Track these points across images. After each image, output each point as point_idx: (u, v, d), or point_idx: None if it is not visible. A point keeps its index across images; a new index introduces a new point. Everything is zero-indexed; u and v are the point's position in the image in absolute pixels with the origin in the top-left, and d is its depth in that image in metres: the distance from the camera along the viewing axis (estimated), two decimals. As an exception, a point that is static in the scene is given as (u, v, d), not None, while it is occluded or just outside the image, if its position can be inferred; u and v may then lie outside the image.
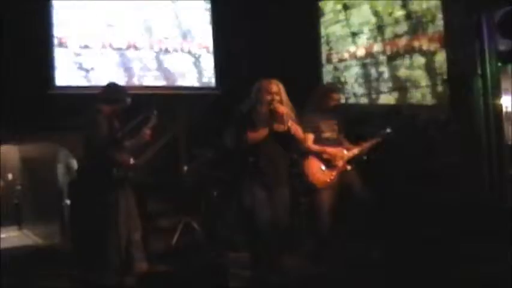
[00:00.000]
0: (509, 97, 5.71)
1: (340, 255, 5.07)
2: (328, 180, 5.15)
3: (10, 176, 10.00)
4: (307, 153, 5.21)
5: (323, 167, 5.19)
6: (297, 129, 4.43)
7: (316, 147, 5.20)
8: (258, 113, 4.43)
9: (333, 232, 5.12)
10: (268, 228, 4.37)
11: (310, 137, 5.18)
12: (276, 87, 4.43)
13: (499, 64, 5.60)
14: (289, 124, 4.32)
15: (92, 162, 4.74)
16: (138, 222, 4.87)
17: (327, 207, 5.14)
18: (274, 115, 4.36)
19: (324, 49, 7.89)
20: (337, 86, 5.69)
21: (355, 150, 5.26)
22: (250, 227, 4.47)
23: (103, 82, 7.14)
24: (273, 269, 4.43)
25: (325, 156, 5.19)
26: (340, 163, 5.17)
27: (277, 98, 4.38)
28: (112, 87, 4.99)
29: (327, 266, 4.85)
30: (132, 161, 4.79)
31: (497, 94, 5.64)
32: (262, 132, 4.39)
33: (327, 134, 5.28)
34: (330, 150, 5.21)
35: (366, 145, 5.29)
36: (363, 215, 5.07)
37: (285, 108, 4.35)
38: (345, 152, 5.23)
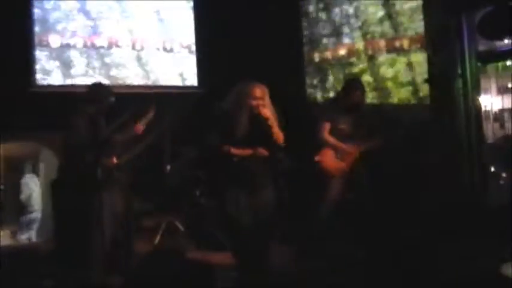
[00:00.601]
0: (489, 96, 5.78)
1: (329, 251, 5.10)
2: (340, 170, 5.23)
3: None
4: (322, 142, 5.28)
5: (336, 157, 5.27)
6: (280, 136, 4.23)
7: (330, 140, 5.31)
8: (238, 118, 4.18)
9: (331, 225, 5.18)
10: (250, 232, 4.24)
11: (327, 126, 5.25)
12: (261, 91, 4.16)
13: (479, 64, 5.68)
14: (275, 130, 4.15)
15: (74, 162, 4.72)
16: (123, 221, 4.87)
17: (334, 197, 5.22)
18: (256, 120, 4.15)
19: (306, 48, 7.93)
20: (361, 83, 5.62)
21: (363, 148, 5.33)
22: (231, 230, 4.39)
23: (84, 81, 7.18)
24: (256, 269, 4.42)
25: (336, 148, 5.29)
26: (350, 157, 5.24)
27: (261, 102, 4.14)
28: (96, 87, 4.98)
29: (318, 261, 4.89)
30: (115, 160, 4.78)
31: (477, 94, 5.70)
32: (246, 152, 4.18)
33: (342, 126, 5.37)
34: (342, 145, 5.30)
35: (371, 144, 5.34)
36: (360, 213, 5.14)
37: (269, 112, 4.15)
38: (355, 148, 5.31)
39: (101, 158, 4.64)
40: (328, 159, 5.35)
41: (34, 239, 8.36)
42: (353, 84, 5.63)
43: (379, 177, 5.81)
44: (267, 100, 4.20)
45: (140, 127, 4.87)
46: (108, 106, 4.86)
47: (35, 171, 8.74)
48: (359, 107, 5.45)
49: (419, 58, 6.19)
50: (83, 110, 4.73)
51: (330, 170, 5.34)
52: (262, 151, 4.20)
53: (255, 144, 4.21)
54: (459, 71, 5.70)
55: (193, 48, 8.16)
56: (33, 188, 9.26)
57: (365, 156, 5.38)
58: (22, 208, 9.79)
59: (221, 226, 4.61)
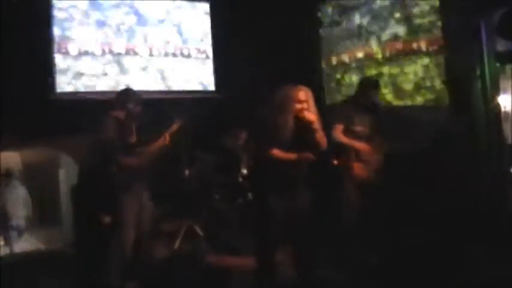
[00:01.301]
0: (508, 97, 5.72)
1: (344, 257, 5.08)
2: (363, 176, 5.20)
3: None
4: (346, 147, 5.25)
5: (360, 163, 5.23)
6: (324, 140, 4.20)
7: (343, 139, 5.23)
8: (282, 122, 4.12)
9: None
10: (283, 238, 4.22)
11: (340, 127, 5.21)
12: (305, 95, 4.10)
13: (498, 65, 5.62)
14: (317, 134, 4.10)
15: (100, 166, 4.76)
16: (149, 226, 4.89)
17: (355, 203, 5.18)
18: (301, 124, 4.09)
19: (324, 51, 7.92)
20: (378, 82, 5.59)
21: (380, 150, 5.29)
22: (264, 235, 4.25)
23: (103, 88, 7.24)
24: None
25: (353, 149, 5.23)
26: (373, 160, 5.20)
27: (305, 106, 4.09)
28: (124, 92, 5.02)
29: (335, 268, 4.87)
30: (138, 164, 4.79)
31: (496, 95, 5.65)
32: (291, 157, 4.10)
33: (358, 128, 5.29)
34: (356, 144, 5.23)
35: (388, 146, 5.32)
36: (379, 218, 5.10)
37: (314, 116, 4.09)
38: (370, 148, 5.26)
39: (125, 163, 4.66)
40: (352, 163, 5.28)
41: (53, 244, 8.42)
42: (368, 82, 5.61)
43: (399, 180, 5.78)
44: (312, 104, 4.15)
45: (167, 137, 4.88)
46: (137, 112, 4.88)
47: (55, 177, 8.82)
48: (376, 106, 5.42)
49: (438, 60, 6.15)
50: (112, 114, 4.76)
51: (354, 175, 5.28)
52: (309, 155, 4.11)
53: (298, 148, 4.13)
54: (478, 72, 5.65)
55: (210, 53, 8.18)
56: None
57: (386, 161, 5.33)
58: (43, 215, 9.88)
59: (255, 229, 4.45)
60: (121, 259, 4.65)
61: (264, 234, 4.23)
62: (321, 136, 4.14)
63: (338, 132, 5.24)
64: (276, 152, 4.10)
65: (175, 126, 4.94)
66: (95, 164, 4.87)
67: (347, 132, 5.26)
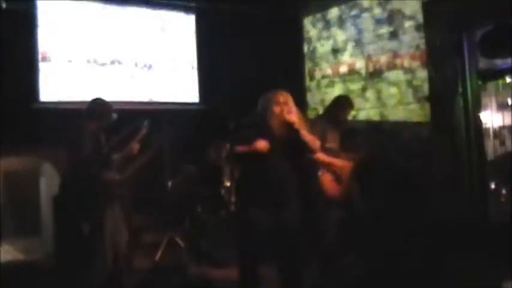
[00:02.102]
0: (489, 114, 5.81)
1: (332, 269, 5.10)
2: (338, 193, 5.20)
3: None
4: (319, 167, 5.24)
5: (333, 180, 5.22)
6: (312, 139, 4.16)
7: (325, 158, 5.15)
8: (266, 125, 4.13)
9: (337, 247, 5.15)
10: (262, 251, 4.16)
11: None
12: (283, 97, 4.13)
13: (480, 82, 5.71)
14: (303, 133, 4.08)
15: (76, 179, 4.72)
16: (125, 237, 4.87)
17: (335, 221, 5.19)
18: (283, 127, 4.08)
19: (307, 65, 7.99)
20: (350, 100, 5.64)
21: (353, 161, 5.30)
22: (246, 247, 4.18)
23: (87, 97, 7.19)
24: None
25: (331, 167, 5.22)
26: (345, 176, 5.21)
27: (286, 108, 4.08)
28: (96, 103, 4.96)
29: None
30: (117, 176, 4.78)
31: (478, 111, 5.73)
32: (261, 146, 4.02)
33: (329, 144, 5.28)
34: (336, 161, 5.23)
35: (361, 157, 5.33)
36: (359, 229, 5.12)
37: (294, 117, 4.07)
38: (346, 162, 5.26)
39: (102, 174, 4.64)
40: (326, 182, 5.29)
41: (31, 254, 8.33)
42: (343, 100, 5.67)
43: (379, 195, 5.82)
44: (292, 106, 4.14)
45: (136, 146, 4.86)
46: (109, 122, 4.85)
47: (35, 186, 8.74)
48: (345, 123, 5.47)
49: (420, 75, 6.23)
50: (84, 126, 4.72)
51: (329, 194, 5.28)
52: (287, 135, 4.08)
53: (288, 151, 4.13)
54: (460, 89, 5.73)
55: (195, 64, 8.20)
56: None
57: (360, 175, 5.34)
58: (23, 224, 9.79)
59: (236, 241, 4.41)
60: (102, 270, 4.62)
61: (245, 247, 4.19)
62: (306, 135, 4.10)
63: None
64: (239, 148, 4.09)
65: (142, 133, 4.93)
66: (74, 176, 4.83)
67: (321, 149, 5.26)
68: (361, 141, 5.62)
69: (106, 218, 4.65)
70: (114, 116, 4.86)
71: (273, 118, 4.10)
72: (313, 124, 5.16)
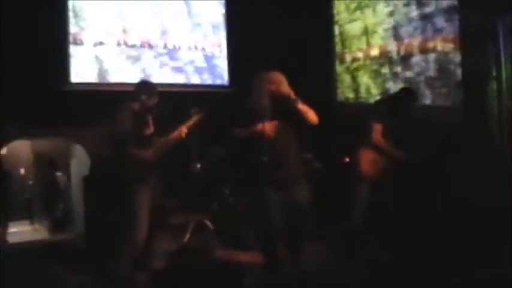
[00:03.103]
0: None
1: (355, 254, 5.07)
2: (371, 175, 5.17)
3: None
4: (362, 143, 5.21)
5: (372, 161, 5.19)
6: (308, 109, 4.17)
7: (382, 142, 5.14)
8: (262, 105, 4.20)
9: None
10: (280, 230, 4.21)
11: (379, 127, 5.16)
12: (278, 77, 4.22)
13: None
14: (301, 105, 4.11)
15: (113, 157, 4.76)
16: (160, 219, 4.91)
17: (365, 202, 5.16)
18: (279, 101, 4.16)
19: (338, 48, 7.91)
20: (415, 94, 5.60)
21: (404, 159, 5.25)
22: (261, 229, 4.33)
23: (117, 79, 7.25)
24: (284, 267, 4.41)
25: (379, 152, 5.18)
26: (381, 163, 5.17)
27: (280, 86, 4.16)
28: (141, 84, 5.01)
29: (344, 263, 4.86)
30: (152, 157, 4.80)
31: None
32: (262, 127, 4.10)
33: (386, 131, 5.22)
34: (392, 151, 5.18)
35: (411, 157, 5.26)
36: (387, 216, 5.08)
37: (288, 89, 4.15)
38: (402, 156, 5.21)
39: (139, 155, 4.66)
40: (364, 162, 5.25)
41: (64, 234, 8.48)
42: (407, 92, 5.58)
43: (409, 180, 5.76)
44: (285, 85, 4.19)
45: (183, 130, 4.87)
46: (153, 104, 4.88)
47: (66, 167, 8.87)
48: (404, 115, 5.36)
49: (453, 59, 6.11)
50: (127, 106, 4.76)
51: (363, 173, 5.25)
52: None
53: (284, 131, 4.18)
54: (493, 73, 5.62)
55: (224, 47, 8.18)
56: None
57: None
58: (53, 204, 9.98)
59: (251, 223, 4.54)
60: (133, 250, 4.67)
61: (262, 226, 4.29)
62: (303, 107, 4.13)
63: (379, 135, 5.16)
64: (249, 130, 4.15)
65: (194, 119, 4.94)
66: (109, 155, 4.87)
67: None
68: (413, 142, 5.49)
69: (139, 198, 4.68)
70: (157, 98, 4.88)
71: (268, 95, 4.18)
72: (379, 107, 5.10)
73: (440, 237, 5.18)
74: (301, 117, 4.15)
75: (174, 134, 4.83)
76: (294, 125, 4.23)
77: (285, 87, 4.15)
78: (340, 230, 5.43)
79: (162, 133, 4.85)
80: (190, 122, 4.91)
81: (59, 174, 9.85)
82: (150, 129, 4.82)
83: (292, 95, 4.12)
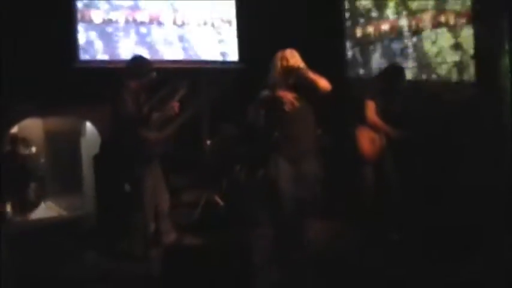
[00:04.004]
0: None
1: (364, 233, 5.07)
2: (372, 155, 5.15)
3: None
4: (359, 124, 5.20)
5: (371, 140, 5.17)
6: (319, 77, 4.31)
7: (377, 121, 5.16)
8: (274, 82, 4.43)
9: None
10: (291, 202, 4.35)
11: (372, 105, 5.15)
12: (291, 53, 4.43)
13: (528, 40, 5.51)
14: (310, 73, 4.28)
15: (117, 137, 4.76)
16: (166, 196, 4.92)
17: (370, 182, 5.16)
18: (290, 74, 4.37)
19: (348, 23, 7.82)
20: (402, 70, 5.58)
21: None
22: (274, 199, 4.45)
23: (126, 56, 7.22)
24: (294, 243, 4.46)
25: (376, 130, 5.15)
26: (383, 140, 5.15)
27: (292, 60, 4.38)
28: (137, 61, 4.95)
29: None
30: (157, 135, 4.80)
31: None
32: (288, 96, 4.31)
33: (380, 108, 5.25)
34: (387, 129, 5.15)
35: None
36: (390, 195, 5.06)
37: (299, 62, 4.37)
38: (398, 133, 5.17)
39: (142, 133, 4.66)
40: (363, 141, 5.24)
41: (74, 211, 8.54)
42: (393, 70, 5.54)
43: (418, 157, 5.73)
44: (299, 60, 4.40)
45: (175, 105, 4.84)
46: (149, 81, 4.84)
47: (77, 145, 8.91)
48: (394, 92, 5.33)
49: (466, 33, 6.02)
50: (126, 84, 4.73)
51: (363, 153, 5.23)
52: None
53: (298, 111, 4.32)
54: (507, 47, 5.54)
55: (234, 23, 8.12)
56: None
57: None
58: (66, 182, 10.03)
59: (262, 197, 4.64)
60: (142, 229, 4.69)
61: (273, 199, 4.44)
62: (315, 77, 4.28)
63: (372, 112, 5.15)
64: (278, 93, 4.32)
65: (181, 93, 4.90)
66: (114, 135, 4.88)
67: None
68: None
69: (146, 177, 4.69)
70: (154, 74, 4.84)
71: (282, 72, 4.39)
72: (368, 86, 5.11)
73: (449, 217, 5.15)
74: (313, 86, 4.27)
75: (165, 111, 4.82)
76: (310, 101, 4.39)
77: (294, 61, 4.35)
78: (349, 209, 5.44)
79: (157, 109, 4.84)
80: (179, 96, 4.89)
81: (30, 152, 9.92)
82: (148, 107, 4.79)
83: (300, 65, 4.31)
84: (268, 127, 4.48)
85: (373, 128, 5.17)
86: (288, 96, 4.29)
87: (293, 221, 4.39)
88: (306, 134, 4.43)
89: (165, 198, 4.93)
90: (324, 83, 4.30)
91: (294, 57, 4.39)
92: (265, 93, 4.41)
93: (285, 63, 4.38)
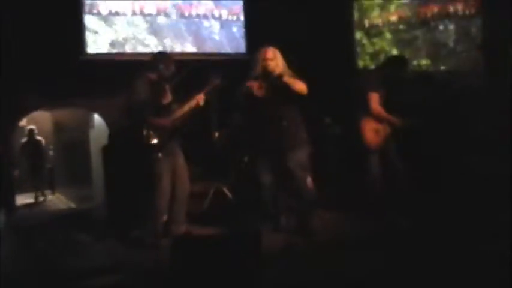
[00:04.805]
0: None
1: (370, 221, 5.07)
2: (379, 143, 5.17)
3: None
4: (363, 114, 5.21)
5: (375, 130, 5.18)
6: (294, 81, 4.52)
7: (381, 111, 5.17)
8: (255, 77, 4.67)
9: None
10: (272, 194, 4.74)
11: (376, 96, 5.17)
12: (272, 53, 4.62)
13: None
14: (285, 78, 4.47)
15: (133, 127, 4.78)
16: (186, 184, 4.96)
17: (376, 170, 5.17)
18: (268, 75, 4.59)
19: (356, 14, 7.80)
20: (405, 60, 5.60)
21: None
22: (257, 192, 4.81)
23: (133, 48, 7.24)
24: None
25: (380, 120, 5.16)
26: (385, 131, 5.16)
27: (272, 63, 4.58)
28: (158, 54, 5.04)
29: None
30: (169, 124, 4.81)
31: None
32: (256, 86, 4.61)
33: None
34: (391, 118, 5.16)
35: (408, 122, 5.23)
36: (397, 182, 5.07)
37: (276, 66, 4.58)
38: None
39: (155, 123, 4.68)
40: (367, 132, 5.25)
41: (83, 202, 8.58)
42: (395, 60, 5.54)
43: (429, 145, 5.72)
44: (280, 61, 4.64)
45: (201, 97, 4.88)
46: (170, 74, 4.90)
47: (85, 136, 8.94)
48: (399, 82, 5.34)
49: (474, 23, 6.01)
50: (144, 75, 4.79)
51: (368, 143, 5.25)
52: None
53: (277, 100, 4.57)
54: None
55: (242, 15, 8.10)
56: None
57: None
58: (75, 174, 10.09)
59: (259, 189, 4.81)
60: (156, 218, 4.72)
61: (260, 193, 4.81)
62: (290, 80, 4.49)
63: (376, 103, 5.16)
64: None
65: (212, 85, 4.95)
66: (128, 124, 4.90)
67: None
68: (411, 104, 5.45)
69: (160, 166, 4.71)
70: (173, 67, 4.89)
71: (261, 70, 4.62)
72: (372, 77, 5.14)
73: (457, 206, 5.14)
74: (290, 89, 4.49)
75: (192, 102, 4.85)
76: (291, 98, 4.59)
77: (273, 65, 4.59)
78: (358, 198, 5.44)
79: (181, 101, 4.87)
80: (208, 89, 4.93)
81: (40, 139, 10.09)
82: (168, 98, 4.86)
83: (277, 71, 4.56)
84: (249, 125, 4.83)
85: (378, 118, 5.17)
86: (254, 85, 4.62)
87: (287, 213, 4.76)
88: (288, 128, 4.60)
89: (184, 187, 4.95)
90: (299, 87, 4.52)
91: (274, 60, 4.60)
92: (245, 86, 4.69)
93: (265, 64, 4.59)
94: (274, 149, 4.59)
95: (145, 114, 4.62)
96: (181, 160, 4.93)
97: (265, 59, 4.61)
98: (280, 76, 4.51)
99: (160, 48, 7.13)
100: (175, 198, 4.86)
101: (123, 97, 4.86)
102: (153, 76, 4.79)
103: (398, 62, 5.45)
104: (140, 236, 4.87)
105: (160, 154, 4.67)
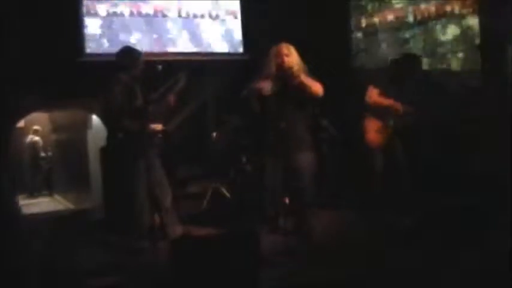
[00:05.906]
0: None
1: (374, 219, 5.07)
2: (382, 143, 5.18)
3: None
4: (365, 112, 5.22)
5: (378, 128, 5.19)
6: (312, 83, 4.38)
7: (379, 100, 5.18)
8: (267, 76, 4.44)
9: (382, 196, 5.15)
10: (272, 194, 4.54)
11: (375, 91, 5.17)
12: (286, 49, 4.41)
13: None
14: (301, 77, 4.32)
15: (110, 128, 4.73)
16: (167, 190, 4.88)
17: (380, 169, 5.18)
18: (283, 73, 4.37)
19: (353, 14, 7.80)
20: (418, 59, 5.62)
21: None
22: (256, 192, 4.76)
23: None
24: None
25: (382, 116, 5.17)
26: (388, 131, 5.16)
27: (288, 59, 4.36)
28: (124, 52, 4.90)
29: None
30: (160, 127, 4.78)
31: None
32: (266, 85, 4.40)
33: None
34: (391, 102, 5.17)
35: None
36: (401, 181, 5.08)
37: (293, 63, 4.35)
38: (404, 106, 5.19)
39: (142, 125, 4.61)
40: (369, 129, 5.26)
41: (81, 204, 8.57)
42: (409, 59, 5.54)
43: (425, 144, 5.73)
44: (295, 57, 4.41)
45: (172, 98, 4.78)
46: (141, 72, 4.80)
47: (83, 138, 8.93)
48: (407, 81, 5.34)
49: (472, 23, 6.01)
50: (116, 77, 4.69)
51: (370, 143, 5.26)
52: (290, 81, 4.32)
53: (290, 99, 4.40)
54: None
55: (239, 14, 8.10)
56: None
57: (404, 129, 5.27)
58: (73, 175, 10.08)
59: (259, 190, 4.73)
60: (141, 220, 4.68)
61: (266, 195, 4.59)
62: (306, 80, 4.33)
63: (374, 93, 5.18)
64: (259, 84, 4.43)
65: (179, 86, 4.86)
66: (108, 126, 4.85)
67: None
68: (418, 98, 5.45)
69: (136, 172, 4.63)
70: (159, 67, 4.80)
71: (273, 69, 4.40)
72: (374, 75, 5.15)
73: (457, 206, 5.15)
74: (305, 90, 4.34)
75: (165, 103, 4.78)
76: (302, 98, 4.44)
77: (289, 61, 4.35)
78: (360, 197, 5.45)
79: (154, 102, 4.81)
80: (177, 88, 4.84)
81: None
82: (140, 100, 4.74)
83: (293, 70, 4.31)
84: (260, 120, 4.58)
85: (377, 110, 5.18)
86: (264, 85, 4.38)
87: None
88: (296, 130, 4.46)
89: (166, 193, 4.86)
90: (316, 89, 4.38)
91: (289, 56, 4.39)
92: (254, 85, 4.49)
93: (279, 61, 4.38)
94: (282, 150, 4.40)
95: (121, 118, 4.53)
96: (159, 170, 4.84)
97: (280, 55, 4.39)
98: (296, 75, 4.33)
99: (157, 49, 7.13)
100: (162, 207, 4.81)
101: (98, 101, 4.79)
102: (125, 77, 4.70)
103: (411, 60, 5.47)
104: (133, 238, 4.82)
105: (134, 160, 4.59)
